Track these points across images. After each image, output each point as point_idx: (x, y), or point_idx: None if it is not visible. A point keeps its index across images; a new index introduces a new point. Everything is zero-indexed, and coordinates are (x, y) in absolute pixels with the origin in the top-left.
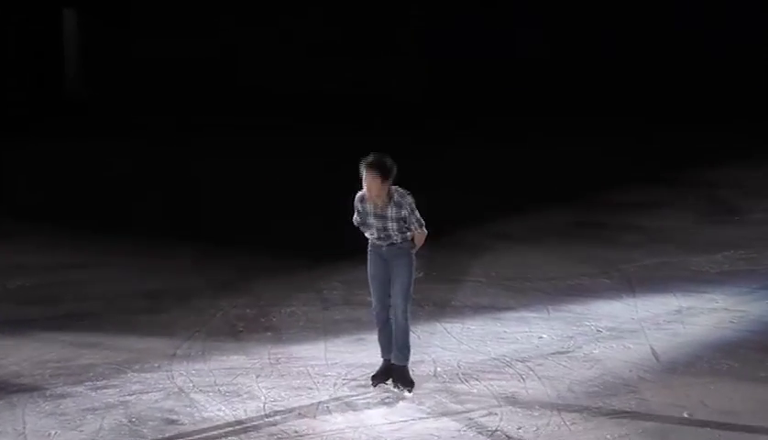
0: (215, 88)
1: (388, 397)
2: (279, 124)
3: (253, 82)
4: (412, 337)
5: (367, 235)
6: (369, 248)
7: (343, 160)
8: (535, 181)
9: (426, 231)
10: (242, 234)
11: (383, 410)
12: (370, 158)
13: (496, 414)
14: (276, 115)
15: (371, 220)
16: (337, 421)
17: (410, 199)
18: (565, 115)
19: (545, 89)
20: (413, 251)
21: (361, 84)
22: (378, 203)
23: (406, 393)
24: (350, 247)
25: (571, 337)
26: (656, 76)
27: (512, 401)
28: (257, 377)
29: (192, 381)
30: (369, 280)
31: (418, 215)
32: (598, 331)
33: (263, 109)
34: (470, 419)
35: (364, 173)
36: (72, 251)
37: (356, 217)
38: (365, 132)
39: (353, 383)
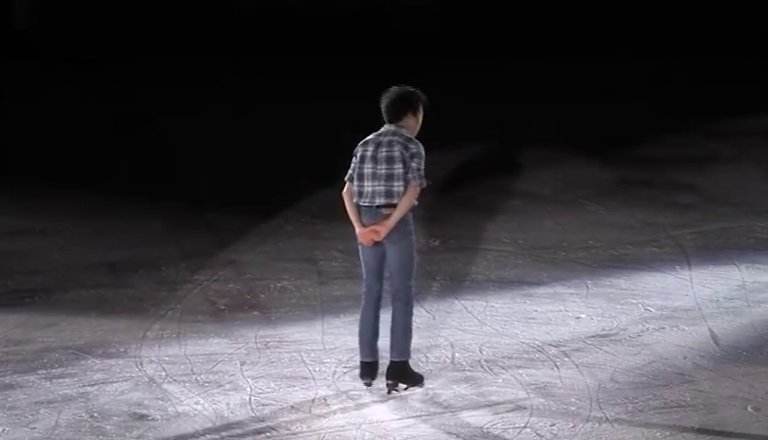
0: (196, 17)
1: (396, 388)
2: (269, 56)
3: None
4: (427, 318)
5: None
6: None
7: (343, 100)
8: (567, 131)
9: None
10: (223, 194)
11: (391, 403)
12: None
13: (525, 408)
14: (268, 43)
15: None
16: (337, 416)
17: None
18: (580, 57)
19: (570, 28)
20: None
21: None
22: None
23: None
24: None
25: (614, 317)
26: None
27: (545, 392)
28: (242, 364)
29: (164, 369)
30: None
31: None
32: (647, 310)
33: (253, 39)
34: (495, 414)
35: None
36: (20, 215)
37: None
38: (366, 65)
39: (355, 372)
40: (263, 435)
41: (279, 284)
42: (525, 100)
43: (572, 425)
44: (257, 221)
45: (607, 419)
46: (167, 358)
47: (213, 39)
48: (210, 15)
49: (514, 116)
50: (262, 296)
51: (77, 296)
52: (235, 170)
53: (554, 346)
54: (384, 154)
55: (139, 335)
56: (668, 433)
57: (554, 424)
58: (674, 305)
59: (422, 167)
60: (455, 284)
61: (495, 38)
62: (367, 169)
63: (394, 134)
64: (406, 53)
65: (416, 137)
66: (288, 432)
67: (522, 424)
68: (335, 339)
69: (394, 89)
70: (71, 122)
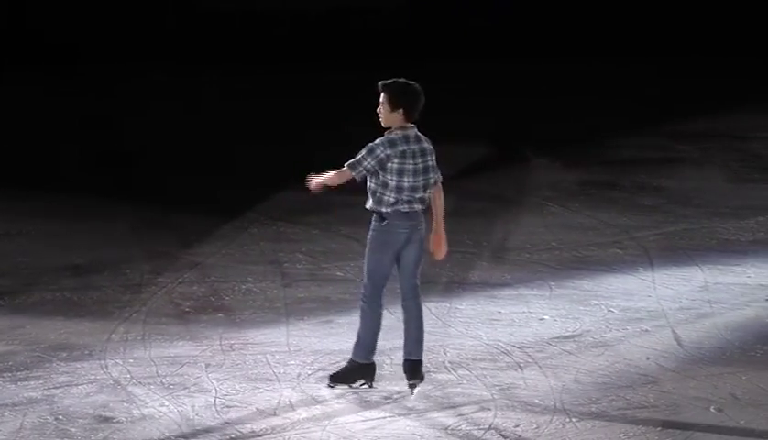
0: (167, 15)
1: (360, 390)
2: (237, 58)
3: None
4: (391, 320)
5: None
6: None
7: (307, 100)
8: (530, 133)
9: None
10: (188, 196)
11: (356, 405)
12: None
13: (489, 409)
14: (236, 44)
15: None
16: (301, 418)
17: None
18: (552, 56)
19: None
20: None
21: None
22: None
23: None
24: (317, 212)
25: (577, 319)
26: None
27: (508, 393)
28: (207, 366)
29: (129, 371)
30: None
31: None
32: (610, 311)
33: (222, 38)
34: (459, 415)
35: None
36: None
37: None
38: (330, 66)
39: (320, 374)
40: (228, 437)
41: (243, 286)
42: (488, 99)
43: (536, 426)
44: (222, 223)
45: (570, 420)
46: (132, 361)
47: (178, 40)
48: (178, 16)
49: (476, 116)
50: (227, 298)
51: (41, 299)
52: (198, 171)
53: (518, 348)
54: (421, 166)
55: (104, 338)
56: (631, 433)
57: (517, 425)
58: (637, 306)
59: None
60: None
61: (461, 38)
62: (409, 182)
63: (418, 139)
64: (371, 54)
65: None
66: (253, 433)
67: (487, 425)
68: (300, 341)
69: (416, 85)
70: (34, 122)
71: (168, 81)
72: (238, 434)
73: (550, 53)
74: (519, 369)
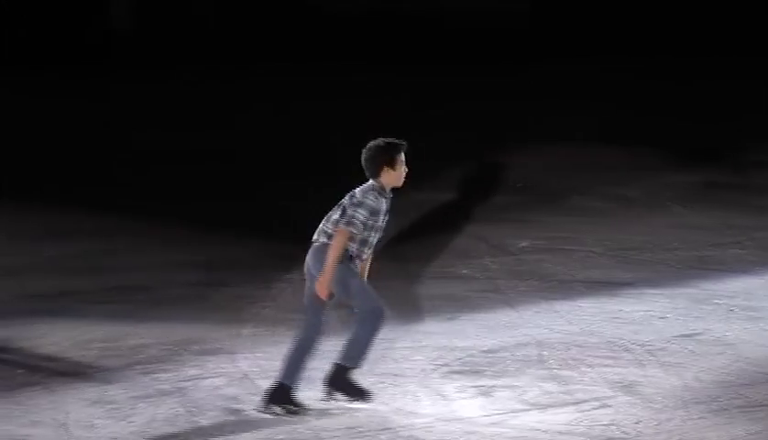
0: (281, 15)
1: (484, 385)
2: (349, 55)
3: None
4: (515, 316)
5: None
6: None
7: (429, 101)
8: (655, 134)
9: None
10: (301, 195)
11: (480, 400)
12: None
13: (610, 406)
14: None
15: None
16: (426, 412)
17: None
18: (680, 53)
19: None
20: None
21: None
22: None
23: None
24: (443, 210)
25: (699, 318)
26: None
27: (630, 390)
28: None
29: (258, 365)
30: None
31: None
32: (731, 310)
33: (323, 37)
34: (581, 411)
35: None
36: (114, 214)
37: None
38: (445, 69)
39: (444, 369)
40: (355, 430)
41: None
42: (612, 102)
43: (656, 423)
44: None
45: (691, 417)
46: (261, 355)
47: (282, 40)
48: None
49: (603, 118)
50: None
51: (172, 293)
52: (303, 171)
53: (640, 346)
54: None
55: (234, 333)
56: (752, 430)
57: (638, 422)
58: (758, 306)
59: (359, 216)
60: (543, 284)
61: (596, 35)
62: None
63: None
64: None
65: (397, 188)
66: (379, 427)
67: (608, 422)
68: (425, 337)
69: (370, 144)
70: (155, 123)
71: (265, 81)
72: (364, 426)
73: (676, 49)
74: (640, 367)
